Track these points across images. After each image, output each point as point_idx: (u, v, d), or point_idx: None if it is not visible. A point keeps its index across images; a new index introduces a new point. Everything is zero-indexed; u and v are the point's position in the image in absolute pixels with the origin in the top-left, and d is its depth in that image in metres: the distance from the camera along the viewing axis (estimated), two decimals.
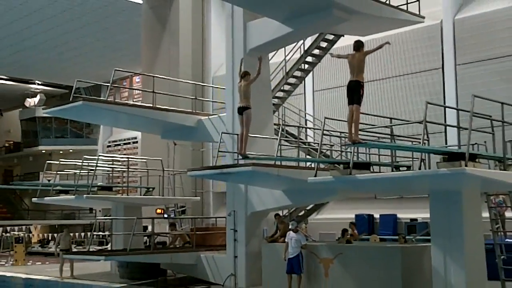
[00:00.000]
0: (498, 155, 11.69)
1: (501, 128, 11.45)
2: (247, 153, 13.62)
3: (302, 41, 17.94)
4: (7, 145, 49.68)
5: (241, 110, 13.65)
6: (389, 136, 13.03)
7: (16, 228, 33.84)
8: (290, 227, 14.75)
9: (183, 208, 25.09)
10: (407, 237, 16.04)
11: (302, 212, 20.01)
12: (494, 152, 12.02)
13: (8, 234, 32.42)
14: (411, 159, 13.69)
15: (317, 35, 17.36)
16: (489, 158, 12.06)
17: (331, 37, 17.50)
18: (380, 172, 13.01)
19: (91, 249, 22.47)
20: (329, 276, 14.08)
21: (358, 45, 11.43)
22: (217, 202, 28.20)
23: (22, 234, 31.17)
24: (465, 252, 11.54)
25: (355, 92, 11.29)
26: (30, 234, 37.71)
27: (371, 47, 11.86)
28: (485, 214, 13.42)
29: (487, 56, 20.28)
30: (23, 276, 21.83)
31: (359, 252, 14.11)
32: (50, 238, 34.56)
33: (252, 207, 16.15)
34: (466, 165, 10.04)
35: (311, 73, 19.93)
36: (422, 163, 12.37)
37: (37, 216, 41.23)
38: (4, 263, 27.04)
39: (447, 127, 18.88)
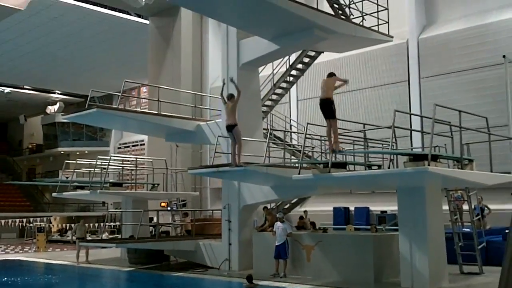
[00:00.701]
0: (456, 156, 11.77)
1: (459, 132, 11.53)
2: (241, 163, 13.67)
3: (287, 56, 17.94)
4: (30, 146, 49.38)
5: (230, 128, 13.69)
6: (363, 140, 13.07)
7: (38, 219, 33.57)
8: (277, 216, 14.73)
9: (184, 202, 25.02)
10: (378, 227, 16.07)
11: (288, 205, 20.00)
12: (452, 153, 12.10)
13: (31, 225, 32.17)
14: (381, 160, 13.75)
15: (300, 51, 17.36)
16: (449, 159, 12.12)
17: (312, 53, 17.50)
18: (354, 170, 13.04)
19: (103, 238, 22.36)
20: (311, 260, 14.08)
21: (330, 74, 12.46)
22: (214, 196, 28.15)
23: (43, 225, 30.98)
24: (428, 239, 11.61)
25: (327, 108, 11.74)
26: (51, 225, 37.44)
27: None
28: (445, 207, 13.50)
29: (447, 70, 20.39)
30: (45, 261, 21.70)
31: (337, 240, 14.13)
32: (68, 228, 34.32)
33: (244, 201, 16.13)
34: (428, 165, 10.10)
35: (295, 84, 19.94)
36: (391, 163, 12.44)
37: (57, 209, 40.99)
38: (28, 249, 26.85)
39: (412, 132, 19.00)
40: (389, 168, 11.63)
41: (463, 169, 11.59)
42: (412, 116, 19.28)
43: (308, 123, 12.55)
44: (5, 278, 16.51)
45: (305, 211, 20.35)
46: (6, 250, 26.82)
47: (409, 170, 10.39)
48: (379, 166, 13.26)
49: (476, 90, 19.44)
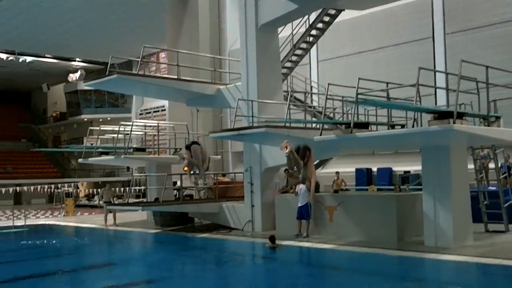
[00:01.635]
0: (483, 113, 11.43)
1: (486, 89, 11.16)
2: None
3: (307, 16, 17.52)
4: (54, 115, 49.90)
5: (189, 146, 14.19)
6: (386, 99, 12.79)
7: (65, 185, 34.19)
8: (300, 178, 14.64)
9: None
10: (401, 187, 15.92)
11: None
12: (479, 110, 11.77)
13: (59, 190, 32.76)
14: (405, 119, 13.46)
15: (320, 10, 16.93)
16: (475, 116, 11.81)
17: (333, 11, 17.06)
18: (377, 131, 12.80)
19: (129, 201, 22.62)
20: (333, 221, 14.05)
21: None
22: (235, 160, 28.20)
23: (71, 190, 31.53)
24: (452, 198, 11.44)
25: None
26: (78, 190, 38.13)
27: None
28: (471, 166, 13.24)
29: (473, 25, 19.74)
30: (74, 224, 22.14)
31: (359, 201, 14.02)
32: (94, 193, 34.91)
33: (265, 164, 16.07)
34: (454, 122, 9.83)
35: (315, 45, 19.54)
36: (415, 122, 12.16)
37: (83, 175, 41.68)
38: (57, 214, 27.41)
39: (437, 91, 18.56)
40: (412, 127, 11.35)
41: (489, 126, 11.27)
42: (436, 74, 18.80)
43: (329, 84, 12.28)
44: (39, 242, 16.92)
45: (337, 172, 20.18)
46: (37, 215, 27.43)
47: (433, 129, 10.13)
48: (403, 126, 13.00)
49: (503, 45, 18.81)
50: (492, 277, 9.44)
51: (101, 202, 21.14)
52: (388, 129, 12.28)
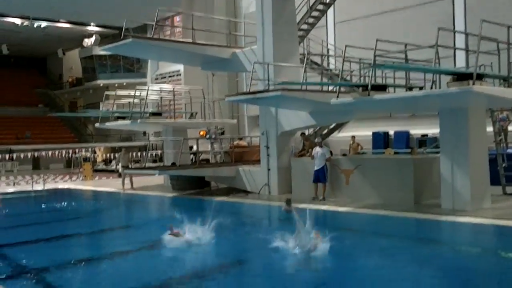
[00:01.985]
0: (503, 74, 11.24)
1: (506, 50, 10.93)
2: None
3: None
4: (70, 80, 50.06)
5: None
6: (404, 61, 12.61)
7: (83, 150, 34.58)
8: (316, 141, 14.66)
9: (222, 130, 25.17)
10: (418, 150, 15.84)
11: (326, 131, 19.86)
12: (499, 72, 11.56)
13: (77, 155, 33.18)
14: (423, 81, 13.28)
15: None
16: (495, 78, 11.63)
17: None
18: (395, 93, 12.66)
19: (146, 166, 22.85)
20: (349, 184, 14.09)
21: None
22: (251, 124, 28.19)
23: (88, 155, 31.88)
24: (470, 161, 11.38)
25: None
26: (95, 155, 38.56)
27: None
28: (489, 129, 13.10)
29: None
30: (92, 188, 22.49)
31: (376, 164, 14.01)
32: (112, 158, 35.29)
33: (281, 127, 16.07)
34: (473, 84, 9.69)
35: (332, 6, 19.19)
36: (433, 84, 11.98)
37: (100, 140, 42.03)
38: (75, 178, 27.83)
39: (456, 52, 18.21)
40: (431, 89, 11.20)
41: (509, 88, 11.09)
42: (456, 35, 18.40)
43: (346, 46, 12.11)
44: (58, 205, 17.28)
45: (352, 137, 20.09)
46: (55, 180, 27.88)
47: (452, 90, 10.00)
48: (421, 88, 12.84)
49: None
50: (509, 239, 9.47)
51: (118, 166, 21.33)
52: (406, 91, 12.16)
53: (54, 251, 9.64)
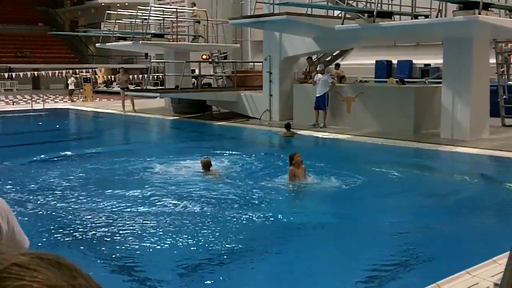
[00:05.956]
0: (510, 5, 11.13)
1: None
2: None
3: None
4: None
5: None
6: None
7: (84, 70, 34.44)
8: (318, 69, 14.70)
9: (225, 54, 25.00)
10: (420, 79, 15.87)
11: (329, 58, 19.77)
12: (505, 2, 11.44)
13: (77, 76, 33.11)
14: (429, 9, 13.15)
15: None
16: (501, 8, 11.51)
17: None
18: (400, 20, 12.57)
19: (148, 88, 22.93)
20: (351, 112, 14.27)
21: None
22: (255, 49, 27.90)
23: (89, 76, 31.80)
24: (472, 91, 11.50)
25: None
26: (96, 76, 38.44)
27: None
28: (492, 60, 13.11)
29: None
30: (93, 109, 22.64)
31: (378, 92, 14.13)
32: (112, 79, 35.23)
33: (285, 53, 16.03)
34: (479, 13, 9.64)
35: None
36: (439, 12, 11.91)
37: (101, 61, 41.78)
38: (76, 99, 27.94)
39: None
40: (437, 17, 11.15)
41: None
42: None
43: None
44: (58, 125, 17.54)
45: (337, 64, 20.02)
46: (55, 100, 28.06)
47: (458, 19, 9.98)
48: (426, 16, 12.74)
49: None
50: (504, 168, 9.77)
51: (117, 86, 21.38)
52: (412, 19, 12.07)
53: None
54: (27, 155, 11.12)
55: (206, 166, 8.85)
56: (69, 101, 26.46)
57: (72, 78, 28.26)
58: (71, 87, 28.07)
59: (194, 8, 21.11)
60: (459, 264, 4.51)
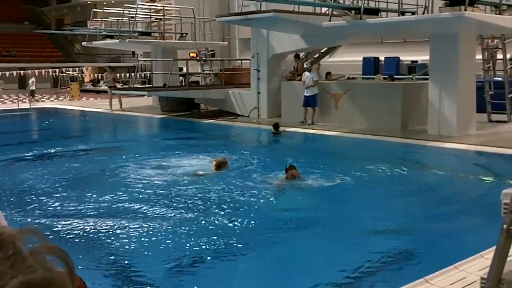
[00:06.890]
0: (495, 1, 11.23)
1: None
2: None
3: None
4: None
5: None
6: None
7: (70, 69, 34.19)
8: (305, 66, 14.71)
9: (213, 52, 24.94)
10: (407, 76, 15.97)
11: (317, 55, 19.82)
12: None
13: (63, 74, 32.84)
14: (415, 6, 13.21)
15: None
16: (486, 4, 11.61)
17: None
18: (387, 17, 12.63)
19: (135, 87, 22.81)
20: (339, 108, 14.31)
21: None
22: (242, 47, 27.88)
23: (76, 74, 31.57)
24: (459, 87, 11.59)
25: None
26: (83, 75, 38.17)
27: None
28: (479, 56, 13.21)
29: None
30: (80, 108, 22.50)
31: (366, 88, 14.19)
32: (99, 78, 35.01)
33: (273, 50, 16.04)
34: (465, 10, 9.71)
35: None
36: (426, 9, 11.97)
37: (88, 60, 41.49)
38: (62, 98, 27.75)
39: None
40: (423, 14, 11.21)
41: (501, 14, 11.12)
42: None
43: None
44: (46, 123, 17.41)
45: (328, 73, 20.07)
46: (42, 99, 27.82)
47: (444, 15, 10.05)
48: (413, 13, 12.80)
49: None
50: (490, 164, 9.85)
51: (104, 85, 21.28)
52: (399, 16, 12.13)
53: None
54: (12, 154, 11.04)
55: (221, 166, 8.79)
56: (29, 102, 25.94)
57: (33, 79, 27.24)
58: (32, 87, 26.69)
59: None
60: (447, 259, 4.55)
